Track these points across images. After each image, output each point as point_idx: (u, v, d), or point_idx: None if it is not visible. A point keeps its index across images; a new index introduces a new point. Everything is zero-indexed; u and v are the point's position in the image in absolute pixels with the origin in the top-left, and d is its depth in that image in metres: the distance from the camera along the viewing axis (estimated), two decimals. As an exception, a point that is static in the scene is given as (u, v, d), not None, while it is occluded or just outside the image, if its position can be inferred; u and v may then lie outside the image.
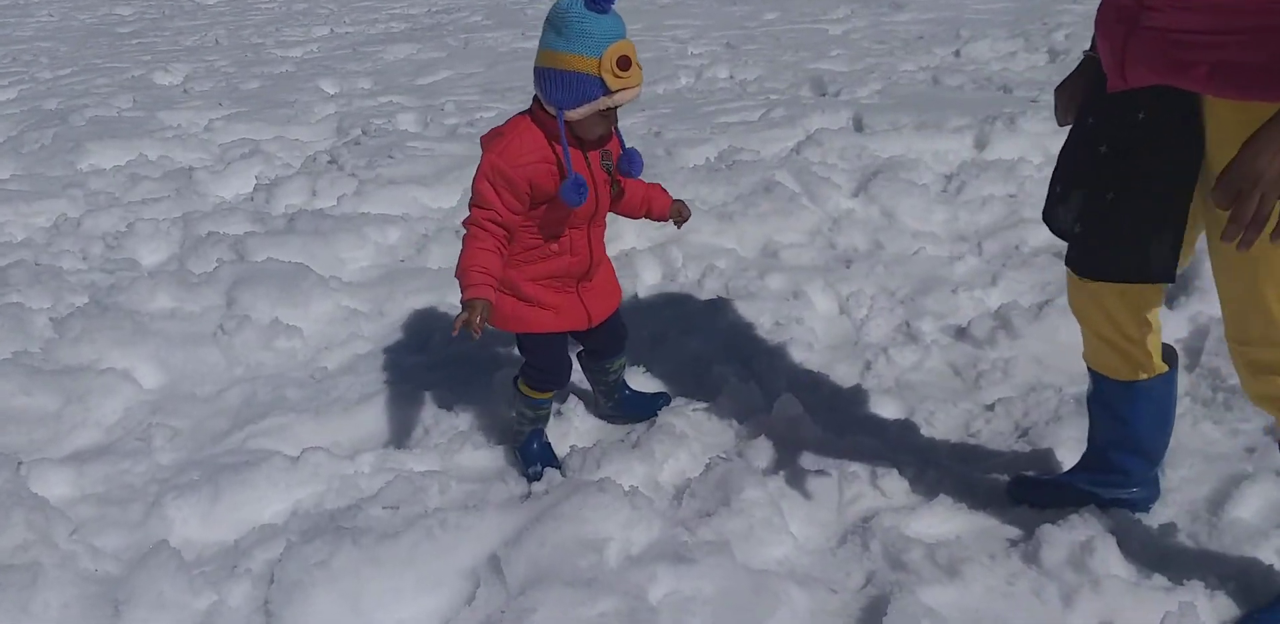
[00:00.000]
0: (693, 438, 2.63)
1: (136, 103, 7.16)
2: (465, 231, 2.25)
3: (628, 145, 2.42)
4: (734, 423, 2.73)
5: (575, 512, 2.11)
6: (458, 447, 2.76)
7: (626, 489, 2.19)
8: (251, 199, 4.92)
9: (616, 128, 2.35)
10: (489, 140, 2.27)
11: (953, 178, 4.56)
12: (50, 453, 2.89)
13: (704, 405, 2.81)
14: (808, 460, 2.48)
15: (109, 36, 11.21)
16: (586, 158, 2.29)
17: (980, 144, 4.93)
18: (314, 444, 2.84)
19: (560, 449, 2.70)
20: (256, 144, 5.76)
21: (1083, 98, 1.92)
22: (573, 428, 2.83)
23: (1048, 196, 1.96)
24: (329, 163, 5.34)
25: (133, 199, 4.96)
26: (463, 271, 2.17)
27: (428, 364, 3.32)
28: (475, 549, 2.10)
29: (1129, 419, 2.10)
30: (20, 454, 2.87)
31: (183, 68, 8.52)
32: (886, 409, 2.88)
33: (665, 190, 2.62)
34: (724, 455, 2.39)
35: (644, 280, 3.75)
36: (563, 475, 2.51)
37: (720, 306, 3.49)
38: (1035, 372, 3.01)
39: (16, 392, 3.16)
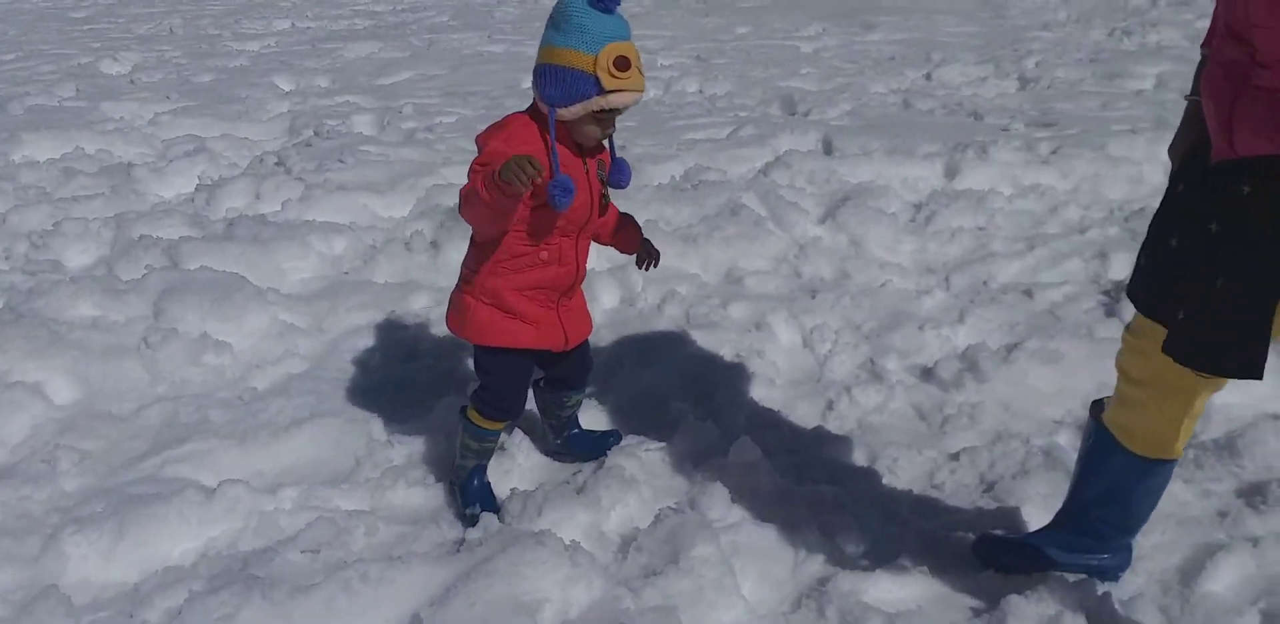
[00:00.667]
0: (643, 482, 2.47)
1: (80, 92, 6.85)
2: (466, 185, 2.05)
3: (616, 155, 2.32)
4: (688, 466, 2.57)
5: (510, 567, 1.94)
6: (390, 482, 2.57)
7: (567, 543, 2.03)
8: (192, 200, 4.67)
9: (611, 139, 2.25)
10: (490, 133, 2.12)
11: (922, 207, 4.46)
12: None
13: (658, 445, 2.65)
14: (764, 511, 2.33)
15: (60, 21, 10.81)
16: (585, 163, 2.19)
17: (950, 172, 4.84)
18: (235, 474, 2.64)
19: (501, 489, 2.52)
20: (202, 141, 5.50)
21: (1178, 162, 1.72)
22: (516, 465, 2.65)
23: (1135, 270, 1.78)
24: (276, 164, 5.10)
25: (64, 195, 4.69)
26: (470, 190, 2.00)
27: (366, 387, 3.13)
28: (397, 607, 1.92)
29: (1129, 492, 1.98)
30: (-91, 476, 2.63)
31: (132, 57, 8.20)
32: (848, 454, 2.74)
33: (637, 223, 2.50)
34: (675, 506, 2.23)
35: (601, 304, 3.59)
36: (500, 521, 2.33)
37: (680, 336, 3.34)
38: (1002, 419, 2.89)
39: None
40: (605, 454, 2.63)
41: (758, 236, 3.94)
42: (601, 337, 3.38)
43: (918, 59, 7.85)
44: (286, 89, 7.19)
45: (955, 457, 2.70)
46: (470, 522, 2.37)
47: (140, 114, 6.19)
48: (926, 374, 3.16)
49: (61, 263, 3.97)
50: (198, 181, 4.89)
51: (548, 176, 2.05)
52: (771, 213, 4.13)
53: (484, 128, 2.17)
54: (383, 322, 3.51)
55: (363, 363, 3.29)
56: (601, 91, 1.99)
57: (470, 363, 3.18)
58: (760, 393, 3.06)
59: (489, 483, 2.51)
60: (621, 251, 2.53)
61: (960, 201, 4.41)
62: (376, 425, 2.88)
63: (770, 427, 2.86)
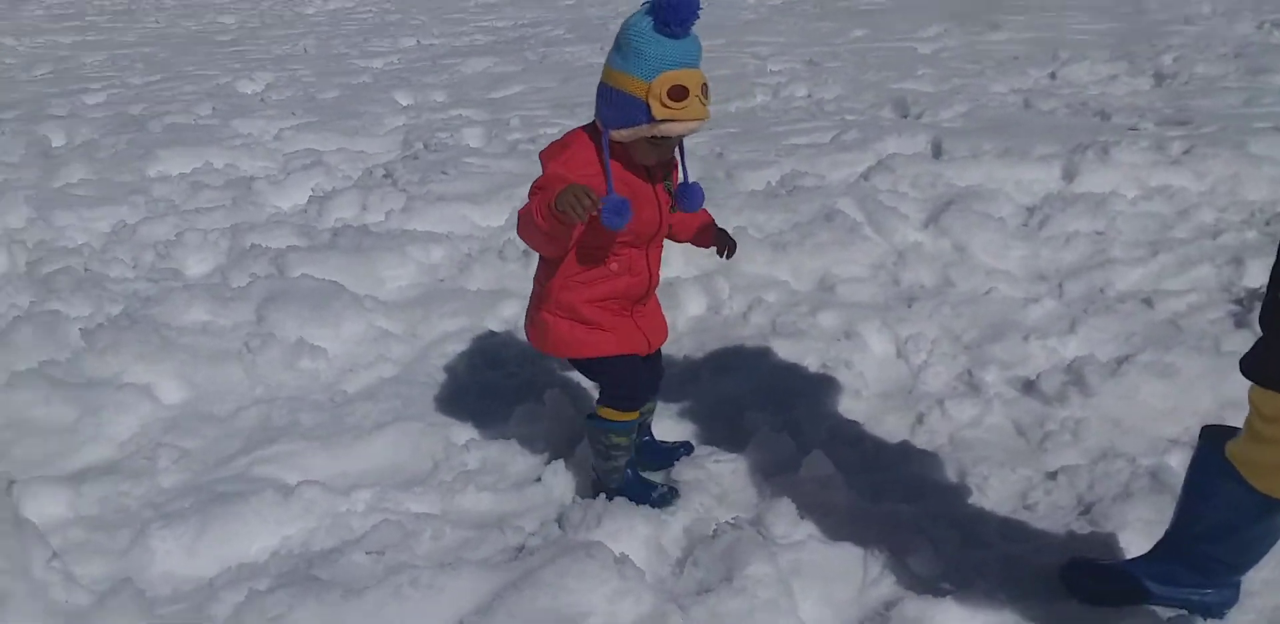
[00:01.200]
0: (709, 495, 2.40)
1: (215, 110, 7.27)
2: (521, 217, 2.04)
3: (691, 178, 2.28)
4: (758, 479, 2.48)
5: (558, 579, 1.91)
6: (461, 487, 2.59)
7: (617, 556, 1.98)
8: (305, 211, 4.87)
9: (682, 158, 2.22)
10: (552, 153, 2.12)
11: (1035, 211, 4.22)
12: (56, 469, 2.82)
13: (730, 457, 2.58)
14: (832, 529, 2.22)
15: (208, 44, 11.53)
16: (651, 175, 2.16)
17: (1069, 175, 4.56)
18: (317, 475, 2.72)
19: (564, 498, 2.50)
20: (320, 155, 5.74)
21: None
22: (583, 473, 2.62)
23: (1268, 298, 1.62)
24: (384, 176, 5.27)
25: (190, 207, 4.97)
26: (526, 211, 1.98)
27: (450, 392, 3.17)
28: (442, 615, 1.91)
29: (1247, 531, 1.78)
30: (28, 468, 2.81)
31: (266, 76, 8.66)
32: (935, 471, 2.59)
33: (713, 222, 2.48)
34: (733, 521, 2.15)
35: (686, 311, 3.53)
36: (560, 529, 2.30)
37: (763, 345, 3.25)
38: (1108, 436, 2.68)
39: (37, 402, 3.11)
40: (673, 465, 2.58)
41: (853, 243, 3.80)
42: (683, 344, 3.32)
43: (1043, 57, 7.46)
44: (404, 104, 7.44)
45: (1052, 476, 2.51)
46: (664, 501, 2.38)
47: (267, 130, 6.52)
48: (1028, 387, 2.97)
49: (181, 271, 4.20)
50: (310, 193, 5.10)
51: (610, 197, 2.01)
52: (869, 218, 3.99)
53: (548, 144, 2.16)
54: (473, 328, 3.56)
55: (450, 368, 3.34)
56: (651, 120, 1.95)
57: (551, 371, 3.20)
58: (845, 405, 2.94)
59: (641, 475, 2.51)
60: (700, 246, 2.48)
61: (1078, 205, 4.15)
62: (456, 430, 2.91)
63: (852, 441, 2.73)
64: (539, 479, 2.59)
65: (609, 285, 2.22)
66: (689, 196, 2.22)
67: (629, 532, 2.21)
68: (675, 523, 2.27)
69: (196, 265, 4.27)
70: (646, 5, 1.91)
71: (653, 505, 2.36)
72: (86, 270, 4.26)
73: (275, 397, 3.20)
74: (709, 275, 3.62)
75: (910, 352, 3.23)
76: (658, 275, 2.32)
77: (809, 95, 7.00)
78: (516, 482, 2.63)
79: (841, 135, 5.35)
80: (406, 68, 9.11)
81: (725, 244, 2.46)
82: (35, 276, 4.16)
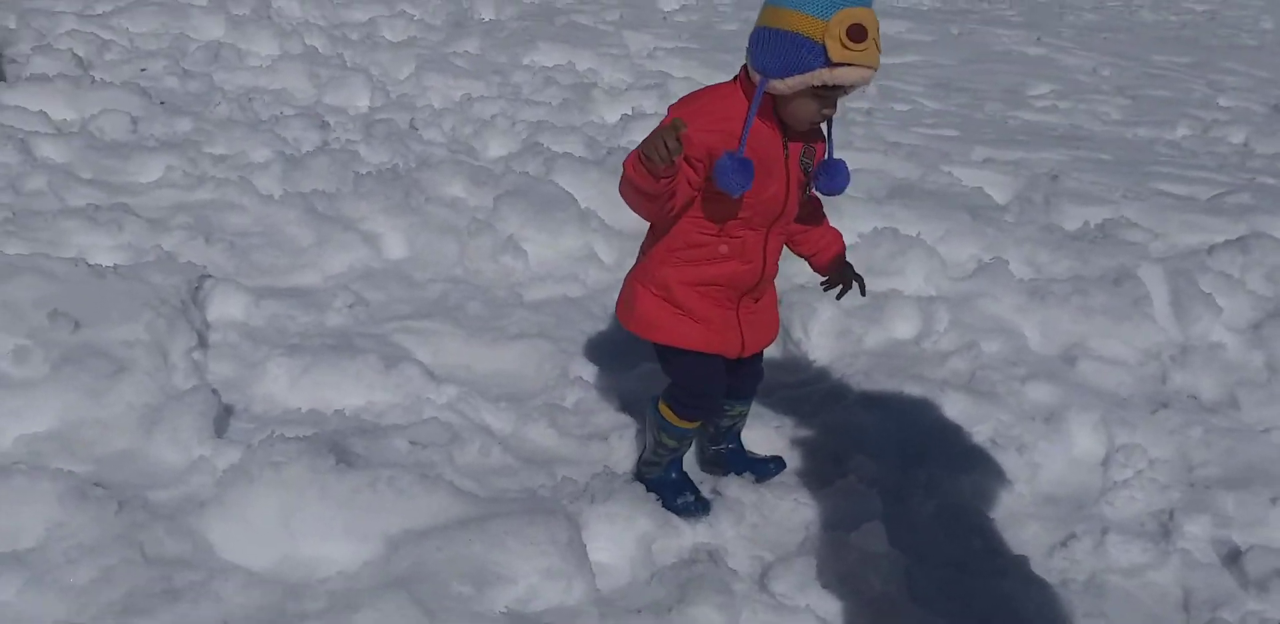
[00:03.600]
0: (743, 523, 2.16)
1: (621, 18, 7.61)
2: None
3: (837, 155, 1.99)
4: (805, 526, 2.19)
5: (503, 535, 1.83)
6: (538, 417, 2.57)
7: (571, 538, 1.85)
8: (609, 127, 4.99)
9: (829, 131, 1.94)
10: (679, 105, 1.92)
11: None
12: (260, 279, 3.21)
13: (797, 493, 2.29)
14: (835, 613, 1.90)
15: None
16: (786, 146, 1.90)
17: None
18: (443, 359, 2.86)
19: (615, 465, 2.38)
20: (667, 79, 5.81)
21: None
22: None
23: None
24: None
25: (526, 97, 5.31)
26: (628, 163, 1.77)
27: (608, 330, 3.12)
28: (385, 523, 1.90)
29: None
30: (247, 273, 3.22)
31: (687, -2, 8.88)
32: (1032, 603, 2.12)
33: (843, 242, 2.21)
34: (712, 553, 1.91)
35: (890, 332, 3.13)
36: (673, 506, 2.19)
37: (942, 394, 2.80)
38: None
39: (291, 221, 3.56)
40: (753, 476, 2.35)
41: (1132, 319, 3.14)
42: (860, 364, 2.98)
43: None
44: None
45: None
46: (689, 510, 2.18)
47: (646, 45, 6.71)
48: (1233, 558, 2.31)
49: (477, 149, 4.50)
50: (628, 112, 5.19)
51: (734, 153, 1.78)
52: (1173, 298, 3.26)
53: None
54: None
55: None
56: (828, 64, 1.70)
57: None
58: (987, 492, 2.48)
59: (686, 474, 2.29)
60: (814, 268, 2.20)
61: None
62: (581, 365, 2.87)
63: (952, 534, 2.30)
64: (606, 438, 2.48)
65: (714, 269, 1.98)
66: (832, 174, 1.93)
67: (627, 519, 2.06)
68: (675, 535, 2.07)
69: (494, 148, 4.54)
70: None
71: (675, 512, 2.15)
72: (412, 128, 4.72)
73: (466, 280, 3.35)
74: (931, 300, 3.18)
75: (1116, 463, 2.64)
76: (775, 266, 2.05)
77: (1245, 144, 5.85)
78: (591, 433, 2.55)
79: (1228, 195, 4.41)
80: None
81: (842, 278, 2.17)
82: (368, 120, 4.68)
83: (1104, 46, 8.98)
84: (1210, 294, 3.23)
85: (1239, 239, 3.71)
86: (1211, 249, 3.64)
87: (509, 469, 2.36)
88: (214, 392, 2.39)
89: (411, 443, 2.36)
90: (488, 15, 7.50)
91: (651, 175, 1.73)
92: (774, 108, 1.83)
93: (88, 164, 3.90)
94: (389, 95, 5.21)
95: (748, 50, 1.81)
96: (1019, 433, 2.67)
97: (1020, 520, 2.42)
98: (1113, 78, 7.62)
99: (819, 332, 3.08)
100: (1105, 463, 2.67)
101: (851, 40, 1.67)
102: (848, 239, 3.51)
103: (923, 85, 6.58)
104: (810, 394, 2.78)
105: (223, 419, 2.43)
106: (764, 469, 2.38)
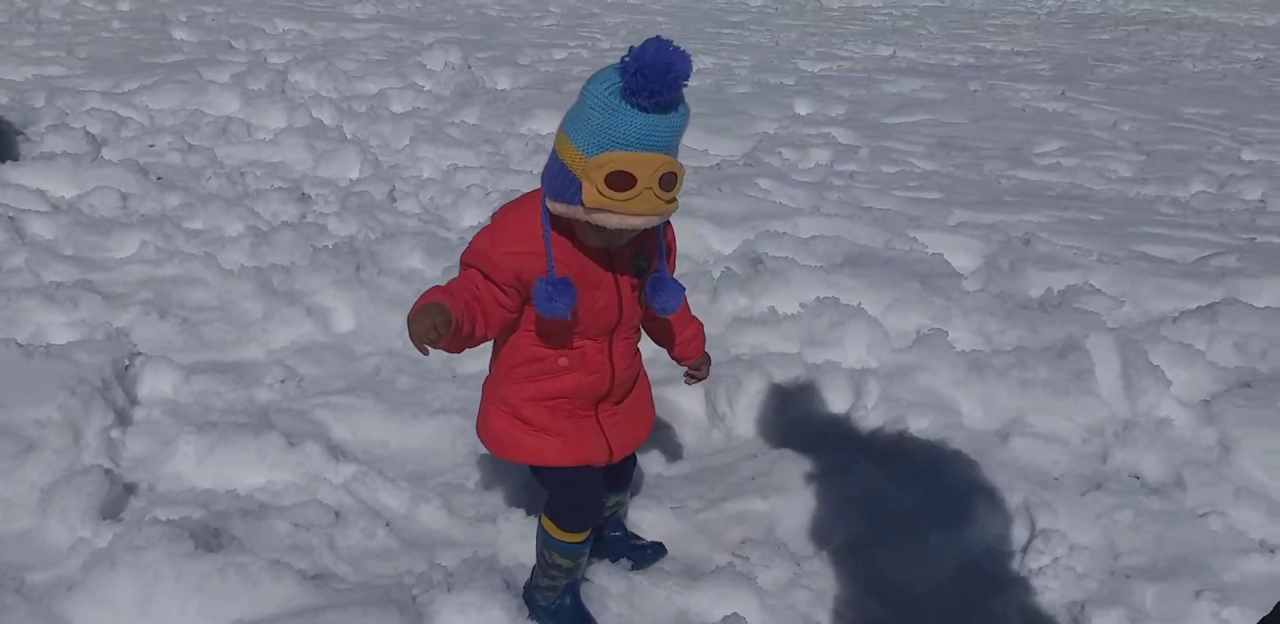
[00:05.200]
0: (606, 612, 2.10)
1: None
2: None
3: (669, 272, 1.87)
4: (680, 618, 2.12)
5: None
6: (431, 498, 2.55)
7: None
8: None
9: (660, 243, 1.83)
10: (495, 217, 1.83)
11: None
12: (201, 355, 3.28)
13: (681, 580, 2.23)
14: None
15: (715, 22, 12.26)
16: (610, 253, 1.78)
17: None
18: (358, 435, 2.89)
19: (495, 552, 2.35)
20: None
21: None
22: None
23: None
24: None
25: (510, 166, 5.41)
26: (414, 307, 1.70)
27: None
28: (241, 608, 1.91)
29: None
30: (194, 348, 3.30)
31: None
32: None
33: (703, 334, 2.14)
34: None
35: (819, 404, 3.06)
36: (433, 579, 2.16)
37: (854, 476, 2.72)
38: None
39: (245, 295, 3.65)
40: (630, 563, 2.30)
41: (1072, 393, 3.02)
42: (778, 439, 2.91)
43: None
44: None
45: None
46: None
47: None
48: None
49: (450, 220, 4.59)
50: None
51: (545, 277, 1.70)
52: (1122, 370, 3.12)
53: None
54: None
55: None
56: (581, 204, 1.59)
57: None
58: (880, 576, 2.38)
59: (583, 603, 2.10)
60: (672, 356, 2.14)
61: None
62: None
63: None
64: (495, 521, 2.46)
65: (558, 383, 1.87)
66: (660, 293, 1.81)
67: (475, 614, 2.01)
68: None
69: (467, 218, 4.62)
70: (621, 61, 1.54)
71: None
72: (390, 199, 4.84)
73: (403, 352, 3.39)
74: (865, 372, 3.11)
75: (1034, 550, 2.51)
76: (626, 371, 1.94)
77: (1260, 199, 5.66)
78: (483, 514, 2.53)
79: (1215, 258, 4.24)
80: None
81: (698, 373, 2.13)
82: (347, 192, 4.82)
83: (1131, 100, 8.82)
84: (1159, 367, 3.09)
85: (1209, 306, 3.56)
86: (1179, 316, 3.50)
87: (389, 553, 2.35)
88: (107, 472, 2.44)
89: (294, 525, 2.37)
90: (502, 85, 7.71)
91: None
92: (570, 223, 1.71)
93: (71, 241, 4.08)
94: (380, 166, 5.36)
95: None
96: (934, 513, 2.57)
97: (918, 609, 2.31)
98: (1131, 133, 7.47)
99: (744, 405, 3.03)
100: (1024, 549, 2.54)
101: (610, 188, 1.54)
102: (789, 308, 3.54)
103: (924, 145, 6.53)
104: (718, 473, 2.73)
105: (120, 499, 2.47)
106: (641, 555, 2.32)
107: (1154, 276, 3.94)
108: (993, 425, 3.01)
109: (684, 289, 1.86)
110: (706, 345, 2.15)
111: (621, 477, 2.25)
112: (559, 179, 1.62)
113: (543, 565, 2.06)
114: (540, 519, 2.03)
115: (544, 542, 2.03)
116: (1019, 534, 2.58)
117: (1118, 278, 3.88)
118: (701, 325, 2.13)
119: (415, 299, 1.75)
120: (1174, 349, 3.26)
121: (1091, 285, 3.73)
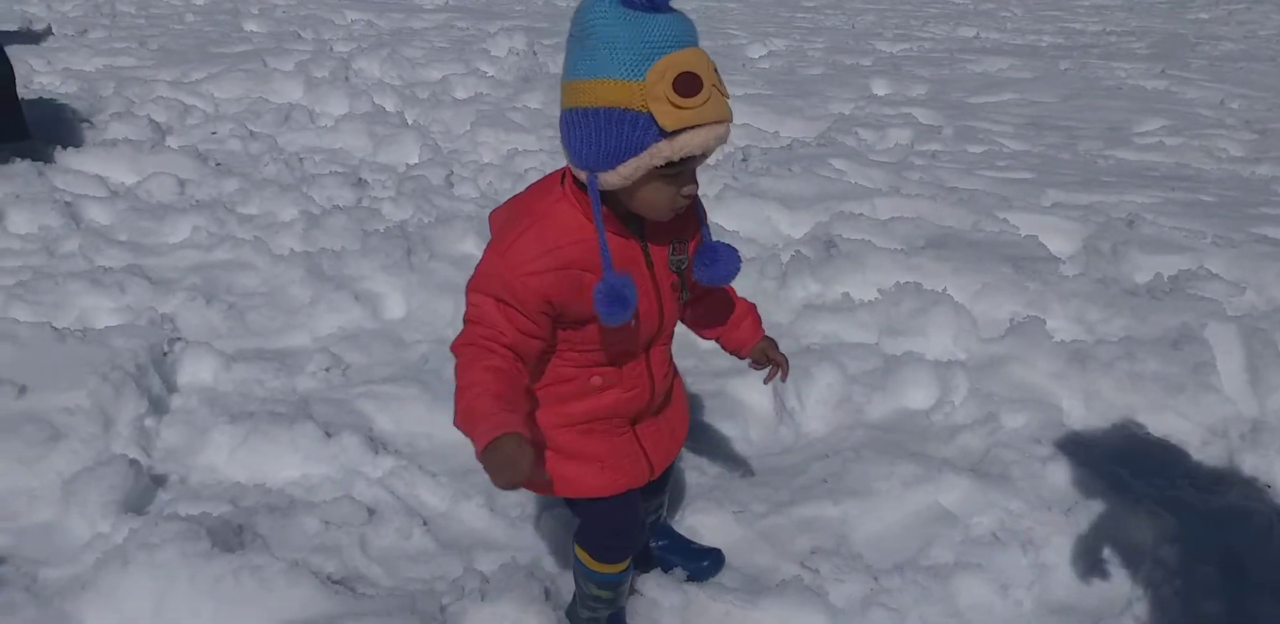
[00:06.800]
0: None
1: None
2: (456, 359, 1.49)
3: (714, 236, 1.60)
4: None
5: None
6: (473, 494, 2.35)
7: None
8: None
9: (697, 204, 1.54)
10: (496, 228, 1.52)
11: None
12: (244, 342, 3.14)
13: (742, 596, 1.99)
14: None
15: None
16: (647, 251, 1.52)
17: None
18: (401, 427, 2.71)
19: (535, 558, 2.13)
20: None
21: None
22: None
23: None
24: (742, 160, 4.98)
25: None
26: (465, 410, 1.42)
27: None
28: (257, 613, 1.75)
29: None
30: (240, 336, 3.18)
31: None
32: None
33: (758, 318, 1.83)
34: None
35: (899, 399, 2.78)
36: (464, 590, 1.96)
37: (937, 481, 2.43)
38: None
39: (294, 281, 3.52)
40: (686, 572, 2.07)
41: (1187, 389, 2.67)
42: (853, 439, 2.64)
43: None
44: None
45: None
46: None
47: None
48: None
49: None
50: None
51: (598, 277, 1.41)
52: (1247, 362, 2.77)
53: (505, 201, 1.56)
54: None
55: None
56: (663, 134, 1.29)
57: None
58: (971, 596, 2.10)
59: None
60: (726, 349, 1.84)
61: None
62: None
63: None
64: (539, 521, 2.25)
65: (591, 403, 1.61)
66: (715, 261, 1.54)
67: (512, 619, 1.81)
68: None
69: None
70: None
71: None
72: (448, 184, 4.69)
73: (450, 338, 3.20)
74: (952, 365, 2.81)
75: (1151, 566, 2.20)
76: (666, 379, 1.70)
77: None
78: (525, 514, 2.33)
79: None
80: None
81: (772, 360, 1.79)
82: (404, 177, 4.68)
83: (1238, 77, 8.21)
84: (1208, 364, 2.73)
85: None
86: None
87: (424, 555, 2.16)
88: (133, 462, 2.30)
89: (325, 523, 2.20)
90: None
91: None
92: (615, 204, 1.44)
93: (126, 226, 4.01)
94: (439, 151, 5.21)
95: (563, 142, 1.40)
96: (1029, 526, 2.27)
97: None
98: (1241, 111, 6.91)
99: (816, 400, 2.76)
100: (1137, 568, 2.23)
101: (682, 95, 1.27)
102: (865, 294, 3.25)
103: (1012, 125, 6.12)
104: (785, 474, 2.47)
105: (147, 492, 2.34)
106: (698, 563, 2.09)
107: (1277, 261, 3.54)
108: (1098, 424, 2.69)
109: (737, 251, 1.58)
110: (775, 335, 1.88)
111: (658, 482, 1.99)
112: (607, 134, 1.32)
113: (581, 596, 1.85)
114: (574, 548, 1.80)
115: (581, 573, 1.81)
116: (1128, 552, 2.27)
117: (1237, 262, 3.49)
118: (754, 305, 1.86)
119: (463, 303, 1.48)
120: (1307, 340, 2.88)
121: (1207, 270, 3.36)
